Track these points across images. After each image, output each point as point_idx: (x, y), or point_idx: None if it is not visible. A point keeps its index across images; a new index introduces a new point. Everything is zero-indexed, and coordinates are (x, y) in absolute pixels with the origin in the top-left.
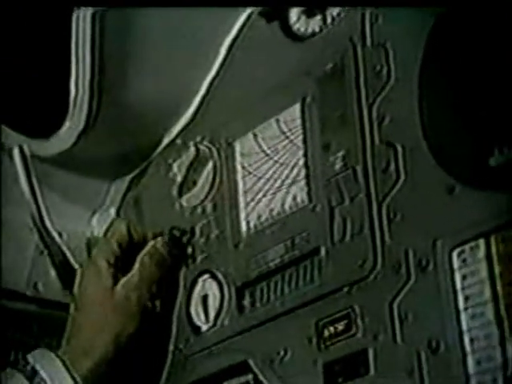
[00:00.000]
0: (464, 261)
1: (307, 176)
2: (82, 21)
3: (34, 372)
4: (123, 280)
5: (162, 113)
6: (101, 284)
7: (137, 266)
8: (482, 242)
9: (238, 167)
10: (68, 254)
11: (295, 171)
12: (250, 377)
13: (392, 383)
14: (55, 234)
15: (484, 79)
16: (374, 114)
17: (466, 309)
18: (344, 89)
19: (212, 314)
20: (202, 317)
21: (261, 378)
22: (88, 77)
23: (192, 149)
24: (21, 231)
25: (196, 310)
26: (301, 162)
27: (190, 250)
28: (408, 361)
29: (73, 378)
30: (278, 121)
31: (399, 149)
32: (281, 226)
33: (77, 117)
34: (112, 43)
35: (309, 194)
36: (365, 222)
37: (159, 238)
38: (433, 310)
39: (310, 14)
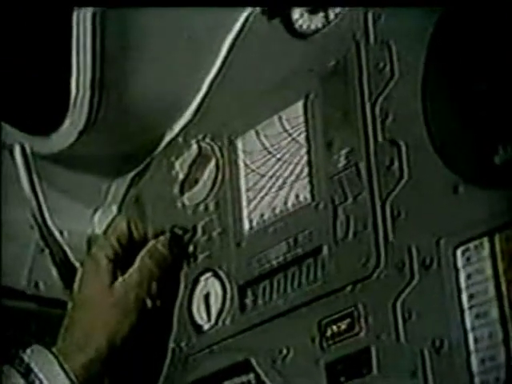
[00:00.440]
0: (468, 259)
1: (310, 174)
2: (82, 20)
3: (29, 370)
4: (122, 278)
5: (164, 110)
6: (99, 280)
7: (137, 264)
8: (486, 240)
9: (241, 165)
10: (69, 253)
11: (298, 169)
12: (251, 376)
13: (395, 382)
14: (56, 232)
15: (488, 76)
16: (378, 112)
17: (470, 308)
18: (347, 86)
19: (214, 313)
20: (204, 315)
21: (263, 377)
22: (89, 75)
23: (194, 146)
24: (21, 229)
25: (198, 308)
26: (303, 160)
27: (191, 248)
28: (411, 360)
29: (67, 375)
30: (280, 118)
31: (403, 146)
32: (283, 224)
33: (78, 114)
34: (113, 41)
35: (312, 192)
36: (368, 221)
37: (160, 237)
38: (437, 308)
39: (312, 11)
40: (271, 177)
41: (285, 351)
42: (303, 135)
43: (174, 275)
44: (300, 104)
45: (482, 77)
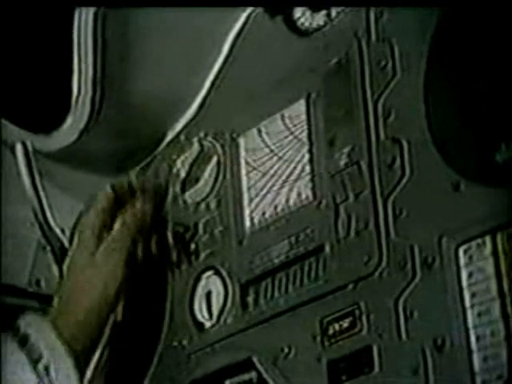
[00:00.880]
0: (470, 258)
1: (312, 172)
2: (84, 19)
3: (25, 337)
4: (105, 241)
5: (166, 109)
6: (85, 251)
7: (118, 225)
8: (488, 238)
9: (242, 163)
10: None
11: (300, 167)
12: (253, 374)
13: (397, 381)
14: (57, 230)
15: (490, 74)
16: (380, 110)
17: (472, 306)
18: (349, 84)
19: (216, 311)
20: (206, 313)
21: (264, 375)
22: (90, 74)
23: (196, 145)
24: (23, 227)
25: (200, 306)
26: (305, 158)
27: (193, 246)
28: (413, 358)
29: (63, 340)
30: (282, 116)
31: (405, 145)
32: (285, 222)
33: (79, 113)
34: (115, 40)
35: (313, 190)
36: (370, 219)
37: (142, 198)
38: (438, 307)
39: (314, 9)
40: (273, 175)
41: (286, 349)
42: (305, 133)
43: (159, 232)
44: (302, 102)
45: (483, 75)
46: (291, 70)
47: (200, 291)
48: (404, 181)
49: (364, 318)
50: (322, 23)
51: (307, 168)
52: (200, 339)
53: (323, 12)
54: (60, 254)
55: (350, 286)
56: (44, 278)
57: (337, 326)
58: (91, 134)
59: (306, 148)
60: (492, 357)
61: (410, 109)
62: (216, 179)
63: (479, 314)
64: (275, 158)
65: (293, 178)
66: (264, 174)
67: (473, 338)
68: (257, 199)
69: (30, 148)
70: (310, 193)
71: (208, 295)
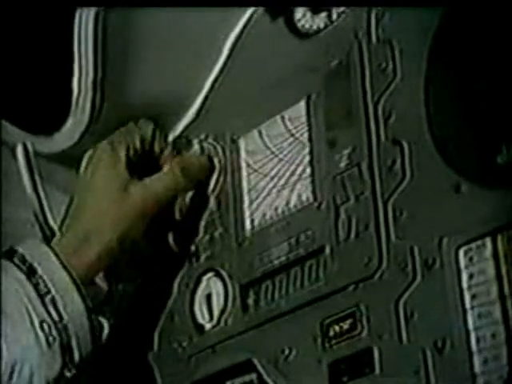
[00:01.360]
0: (471, 259)
1: (312, 174)
2: (84, 19)
3: (32, 270)
4: (142, 182)
5: (166, 110)
6: (116, 174)
7: (165, 170)
8: (488, 240)
9: (243, 165)
10: None
11: (300, 169)
12: (254, 376)
13: (397, 382)
14: (58, 232)
15: (491, 76)
16: (380, 111)
17: (472, 308)
18: (350, 86)
19: (216, 313)
20: (206, 315)
21: (265, 377)
22: (91, 75)
23: (196, 146)
24: (23, 228)
25: (200, 308)
26: (306, 160)
27: (193, 248)
28: (414, 360)
29: (69, 273)
30: (283, 118)
31: (405, 146)
32: (285, 224)
33: (80, 114)
34: (115, 41)
35: (314, 191)
36: (370, 220)
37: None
38: (439, 308)
39: (315, 11)
40: (273, 177)
41: (287, 351)
42: (306, 135)
43: (203, 194)
44: (302, 104)
45: (484, 76)
46: (291, 72)
47: (200, 293)
48: (405, 182)
49: (364, 319)
50: (322, 25)
51: (308, 170)
52: (200, 341)
53: (324, 14)
54: None
55: (351, 288)
56: None
57: (337, 328)
58: (92, 135)
59: (306, 149)
60: (492, 358)
61: (410, 110)
62: (216, 181)
63: (480, 316)
64: (276, 160)
65: (293, 179)
66: (264, 176)
67: (473, 340)
68: (257, 201)
69: (30, 149)
70: (310, 194)
71: (208, 297)
